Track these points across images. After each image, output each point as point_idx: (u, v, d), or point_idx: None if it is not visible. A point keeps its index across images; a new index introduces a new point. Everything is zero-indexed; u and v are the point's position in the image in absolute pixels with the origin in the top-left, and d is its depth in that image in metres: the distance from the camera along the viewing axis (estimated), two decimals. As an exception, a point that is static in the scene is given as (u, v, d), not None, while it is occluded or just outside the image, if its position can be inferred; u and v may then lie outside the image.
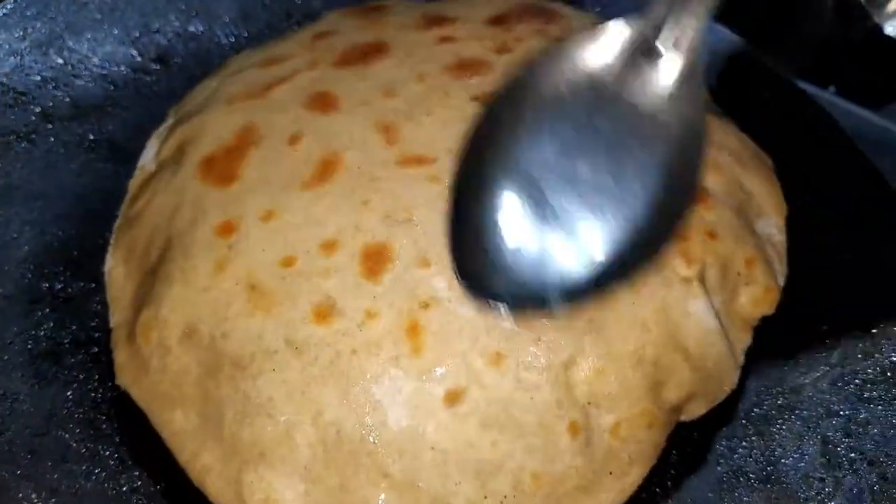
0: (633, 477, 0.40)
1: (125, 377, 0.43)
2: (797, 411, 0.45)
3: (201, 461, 0.40)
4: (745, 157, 0.49)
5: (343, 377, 0.38)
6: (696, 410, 0.42)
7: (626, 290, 0.40)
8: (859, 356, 0.46)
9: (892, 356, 0.46)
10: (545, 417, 0.38)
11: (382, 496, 0.38)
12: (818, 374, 0.46)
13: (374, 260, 0.40)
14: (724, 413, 0.45)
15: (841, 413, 0.44)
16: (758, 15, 0.61)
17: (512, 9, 0.54)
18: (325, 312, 0.39)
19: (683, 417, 0.42)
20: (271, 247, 0.42)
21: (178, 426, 0.41)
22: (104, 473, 0.41)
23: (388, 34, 0.53)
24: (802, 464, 0.43)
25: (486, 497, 0.38)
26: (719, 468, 0.43)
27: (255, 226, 0.42)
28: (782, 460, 0.43)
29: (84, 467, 0.41)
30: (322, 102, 0.48)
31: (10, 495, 0.39)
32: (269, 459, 0.38)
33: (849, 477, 0.42)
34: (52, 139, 0.54)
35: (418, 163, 0.44)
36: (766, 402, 0.45)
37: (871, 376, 0.45)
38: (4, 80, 0.55)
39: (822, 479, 0.42)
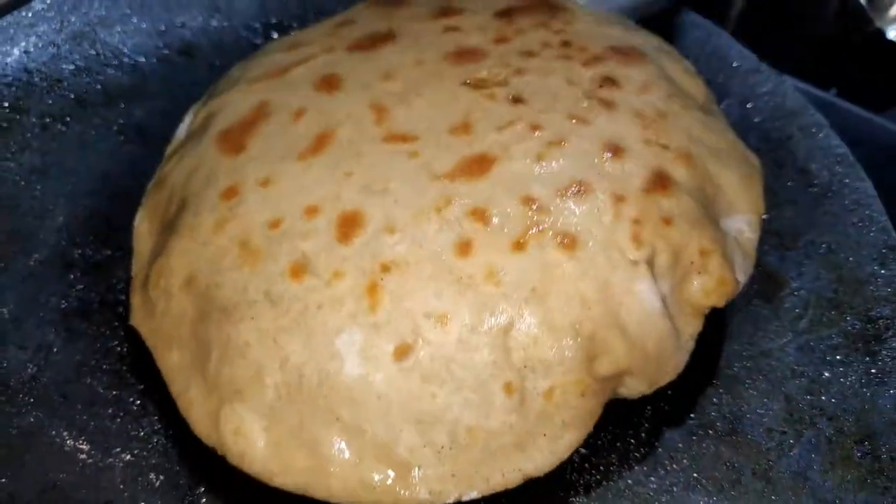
0: (567, 441, 0.42)
1: (137, 318, 0.49)
2: (764, 373, 0.48)
3: (188, 395, 0.45)
4: (724, 154, 0.49)
5: (308, 328, 0.42)
6: (636, 387, 0.44)
7: (573, 266, 0.42)
8: (824, 324, 0.49)
9: (854, 325, 0.49)
10: (482, 376, 0.41)
11: (333, 437, 0.41)
12: (786, 340, 0.49)
13: (349, 225, 0.44)
14: (696, 373, 0.48)
15: (805, 374, 0.48)
16: (761, 17, 0.62)
17: (520, 2, 0.57)
18: (299, 270, 0.44)
19: (624, 393, 0.44)
20: (264, 210, 0.46)
21: (174, 363, 0.46)
22: (128, 417, 0.47)
23: (400, 23, 0.56)
24: (766, 419, 0.46)
25: (425, 446, 0.41)
26: (690, 421, 0.47)
27: (253, 191, 0.47)
28: (748, 415, 0.47)
29: (110, 411, 0.47)
30: (328, 83, 0.52)
31: (45, 432, 0.46)
32: (242, 396, 0.43)
33: (808, 430, 0.45)
34: (86, 122, 0.61)
35: (402, 140, 0.48)
36: (736, 365, 0.49)
37: (834, 342, 0.48)
38: (42, 68, 0.62)
39: (783, 432, 0.46)
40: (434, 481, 0.41)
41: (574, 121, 0.47)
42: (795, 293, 0.52)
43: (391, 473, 0.41)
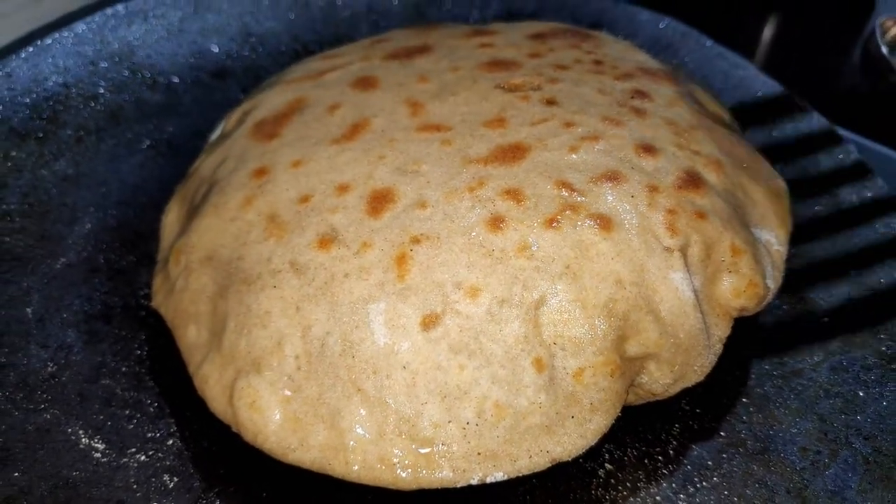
0: (595, 424, 0.40)
1: (157, 299, 0.48)
2: (797, 392, 0.47)
3: (203, 370, 0.44)
4: (754, 170, 0.50)
5: (334, 297, 0.41)
6: (660, 377, 0.42)
7: (608, 246, 0.41)
8: (857, 345, 0.49)
9: (889, 346, 0.48)
10: (512, 350, 0.40)
11: (354, 410, 0.40)
12: (818, 360, 0.48)
13: (379, 201, 0.44)
14: (725, 392, 0.47)
15: (839, 394, 0.47)
16: (785, 72, 0.63)
17: (551, 29, 0.59)
18: (327, 241, 0.43)
19: (646, 382, 0.43)
20: (294, 187, 0.46)
21: (191, 340, 0.45)
22: (144, 418, 0.46)
23: (436, 40, 0.58)
24: (799, 438, 0.45)
25: (450, 421, 0.39)
26: (720, 439, 0.45)
27: (284, 171, 0.47)
28: (780, 434, 0.45)
29: (127, 412, 0.46)
30: (365, 83, 0.53)
31: (61, 430, 0.45)
32: (259, 367, 0.41)
33: (844, 450, 0.44)
34: (118, 137, 0.63)
35: (436, 129, 0.48)
36: (767, 384, 0.48)
37: (868, 363, 0.48)
38: (80, 84, 0.64)
39: (818, 452, 0.44)
40: (459, 459, 0.39)
41: (607, 122, 0.48)
42: (827, 315, 0.51)
43: (413, 449, 0.39)
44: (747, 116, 0.63)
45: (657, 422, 0.45)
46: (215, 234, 0.46)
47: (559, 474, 0.42)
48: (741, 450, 0.45)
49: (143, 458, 0.44)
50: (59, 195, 0.58)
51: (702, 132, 0.49)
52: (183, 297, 0.46)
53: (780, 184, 0.51)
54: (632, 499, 0.43)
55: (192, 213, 0.50)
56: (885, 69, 0.70)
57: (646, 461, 0.45)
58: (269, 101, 0.54)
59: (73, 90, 0.63)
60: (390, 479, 0.39)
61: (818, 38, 0.87)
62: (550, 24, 0.61)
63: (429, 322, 0.40)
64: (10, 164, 0.58)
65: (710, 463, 0.44)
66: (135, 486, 0.43)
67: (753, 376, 0.48)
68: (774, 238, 0.48)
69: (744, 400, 0.47)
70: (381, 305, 0.41)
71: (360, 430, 0.39)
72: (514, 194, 0.43)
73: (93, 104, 0.64)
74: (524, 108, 0.49)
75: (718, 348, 0.44)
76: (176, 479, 0.43)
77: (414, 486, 0.39)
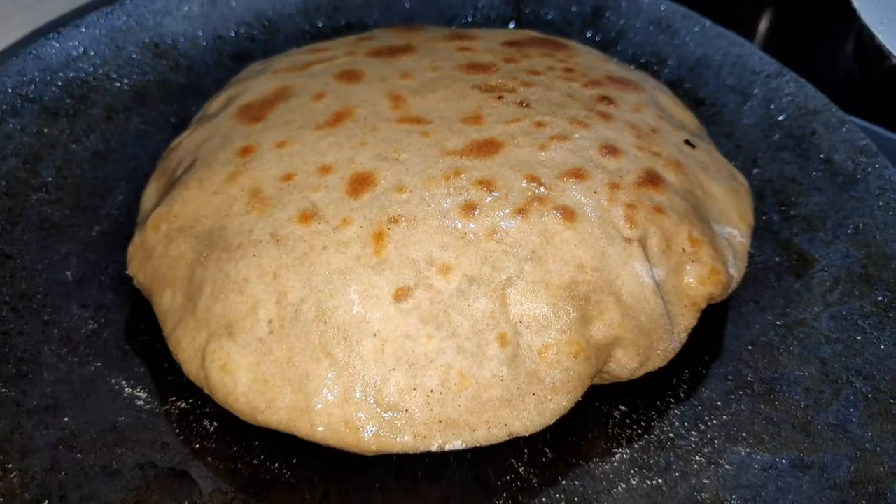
0: (555, 405, 0.42)
1: (133, 266, 0.50)
2: (799, 339, 0.51)
3: (176, 334, 0.45)
4: (712, 169, 0.53)
5: (311, 267, 0.43)
6: (627, 363, 0.45)
7: (571, 235, 0.44)
8: (856, 296, 0.52)
9: (885, 296, 0.52)
10: (478, 324, 0.42)
11: (322, 373, 0.41)
12: (818, 310, 0.52)
13: (360, 183, 0.47)
14: (731, 341, 0.51)
15: (839, 340, 0.50)
16: (781, 61, 0.66)
17: (527, 37, 0.63)
18: (308, 216, 0.45)
19: (614, 369, 0.45)
20: (278, 166, 0.48)
21: (166, 305, 0.47)
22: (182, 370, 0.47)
23: (418, 41, 0.61)
24: (803, 379, 0.48)
25: (415, 388, 0.41)
26: (728, 383, 0.49)
27: (269, 151, 0.49)
28: (784, 377, 0.49)
29: (166, 365, 0.48)
30: (349, 76, 0.56)
31: (105, 381, 0.48)
32: (231, 331, 0.43)
33: (845, 389, 0.47)
34: (145, 115, 0.66)
35: (416, 122, 0.51)
36: (770, 332, 0.51)
37: (866, 311, 0.51)
38: (109, 66, 0.67)
39: (820, 391, 0.47)
40: (420, 425, 0.41)
41: (575, 124, 0.51)
42: (825, 270, 0.54)
43: (378, 414, 0.41)
44: (745, 91, 0.67)
45: (666, 369, 0.47)
46: (198, 206, 0.48)
47: (577, 417, 0.44)
48: (748, 391, 0.48)
49: (183, 405, 0.47)
50: (92, 169, 0.60)
51: (662, 135, 0.52)
52: (161, 264, 0.48)
53: (742, 182, 0.55)
54: (646, 436, 0.46)
55: (172, 185, 0.51)
56: (878, 56, 0.73)
57: (658, 403, 0.47)
58: (256, 87, 0.56)
59: (101, 71, 0.66)
60: (353, 442, 0.41)
61: (812, 27, 0.91)
62: (525, 31, 0.65)
63: (401, 294, 0.42)
64: (43, 139, 0.60)
65: (719, 403, 0.47)
66: (177, 431, 0.45)
67: (757, 326, 0.51)
68: (737, 231, 0.51)
69: (749, 348, 0.50)
70: (356, 277, 0.43)
71: (326, 393, 0.41)
72: (486, 184, 0.46)
73: (119, 85, 0.66)
74: (499, 107, 0.52)
75: (683, 337, 0.47)
76: (217, 424, 0.46)
77: (375, 450, 0.41)
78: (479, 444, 0.41)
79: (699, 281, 0.47)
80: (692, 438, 0.45)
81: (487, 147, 0.49)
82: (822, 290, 0.53)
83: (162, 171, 0.55)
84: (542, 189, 0.46)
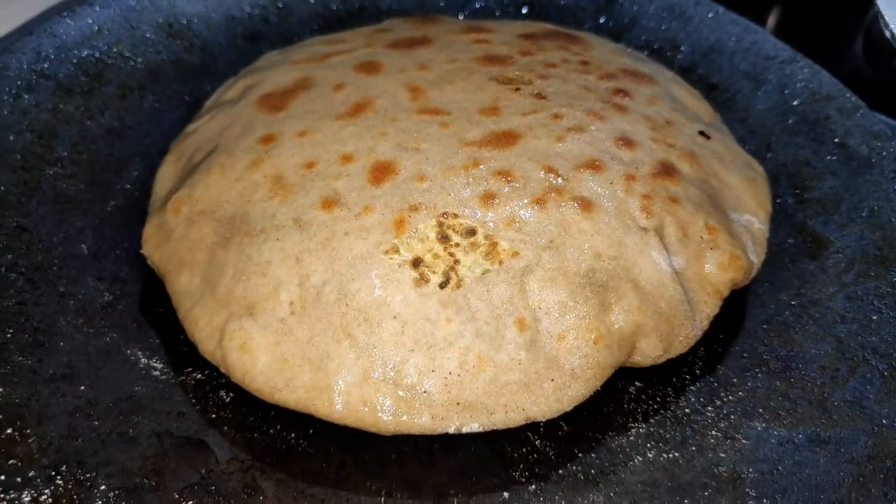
0: (574, 392, 0.43)
1: (149, 246, 0.50)
2: (815, 318, 0.51)
3: (194, 313, 0.46)
4: (727, 159, 0.54)
5: (333, 251, 0.44)
6: (651, 351, 0.45)
7: (588, 225, 0.45)
8: (871, 277, 0.52)
9: None
10: (497, 309, 0.43)
11: (343, 353, 0.42)
12: (833, 290, 0.52)
13: (381, 171, 0.47)
14: (747, 321, 0.51)
15: (854, 320, 0.50)
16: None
17: (542, 30, 0.64)
18: (330, 203, 0.46)
19: (639, 360, 0.46)
20: (300, 154, 0.49)
21: (182, 286, 0.48)
22: None
23: (434, 33, 0.62)
24: (819, 357, 0.49)
25: (433, 370, 0.42)
26: (743, 360, 0.49)
27: (290, 139, 0.50)
28: (800, 355, 0.49)
29: (181, 337, 0.48)
30: (368, 67, 0.57)
31: (121, 351, 0.48)
32: (253, 312, 0.44)
33: (862, 366, 0.47)
34: (159, 94, 0.66)
35: (435, 113, 0.52)
36: (786, 312, 0.52)
37: (882, 291, 0.51)
38: (123, 45, 0.67)
39: (837, 369, 0.48)
40: (438, 407, 0.41)
41: (591, 116, 0.52)
42: (840, 251, 0.54)
43: (397, 395, 0.41)
44: (760, 77, 0.67)
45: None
46: (220, 191, 0.49)
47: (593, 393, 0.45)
48: (764, 369, 0.48)
49: (199, 376, 0.47)
50: (106, 146, 0.61)
51: (677, 127, 0.53)
52: (181, 245, 0.48)
53: (758, 170, 0.55)
54: (662, 411, 0.46)
55: (192, 169, 0.52)
56: (888, 53, 0.73)
57: (673, 379, 0.48)
58: (275, 77, 0.57)
59: (115, 50, 0.66)
60: (371, 422, 0.42)
61: (821, 24, 0.91)
62: (539, 24, 0.66)
63: (421, 279, 0.43)
64: (58, 116, 0.60)
65: (734, 380, 0.47)
66: (193, 401, 0.45)
67: (772, 306, 0.51)
68: (755, 218, 0.52)
69: (764, 326, 0.50)
70: (378, 262, 0.44)
71: (346, 374, 0.42)
72: (505, 175, 0.47)
73: (133, 63, 0.67)
74: (516, 99, 0.53)
75: (705, 324, 0.47)
76: (232, 395, 0.46)
77: (393, 430, 0.42)
78: (496, 428, 0.42)
79: (720, 267, 0.47)
80: (708, 414, 0.46)
81: (505, 138, 0.49)
82: (837, 271, 0.53)
83: (178, 154, 0.56)
84: (559, 180, 0.47)
